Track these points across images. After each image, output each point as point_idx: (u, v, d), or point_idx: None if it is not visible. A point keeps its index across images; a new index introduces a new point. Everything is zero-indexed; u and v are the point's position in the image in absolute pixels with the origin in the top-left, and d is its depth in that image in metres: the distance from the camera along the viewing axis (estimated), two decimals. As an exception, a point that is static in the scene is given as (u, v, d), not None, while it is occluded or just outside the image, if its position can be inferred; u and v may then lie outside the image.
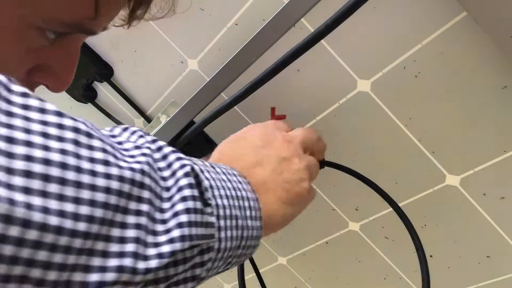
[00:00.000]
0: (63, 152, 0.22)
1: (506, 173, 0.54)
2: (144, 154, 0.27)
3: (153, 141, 0.30)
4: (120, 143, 0.28)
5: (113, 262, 0.23)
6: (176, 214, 0.27)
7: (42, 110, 0.23)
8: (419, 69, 0.53)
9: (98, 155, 0.24)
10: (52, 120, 0.23)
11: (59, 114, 0.24)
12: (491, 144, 0.54)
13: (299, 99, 0.61)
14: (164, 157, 0.30)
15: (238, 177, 0.37)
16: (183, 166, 0.29)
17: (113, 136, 0.29)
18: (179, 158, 0.30)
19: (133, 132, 0.31)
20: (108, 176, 0.24)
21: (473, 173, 0.56)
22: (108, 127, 0.31)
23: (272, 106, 0.57)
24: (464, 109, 0.53)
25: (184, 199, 0.28)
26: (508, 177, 0.54)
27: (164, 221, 0.27)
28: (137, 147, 0.28)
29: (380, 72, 0.55)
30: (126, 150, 0.27)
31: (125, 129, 0.31)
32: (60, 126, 0.23)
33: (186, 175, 0.29)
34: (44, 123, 0.23)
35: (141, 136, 0.30)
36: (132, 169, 0.25)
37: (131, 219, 0.24)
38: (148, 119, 0.74)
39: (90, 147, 0.24)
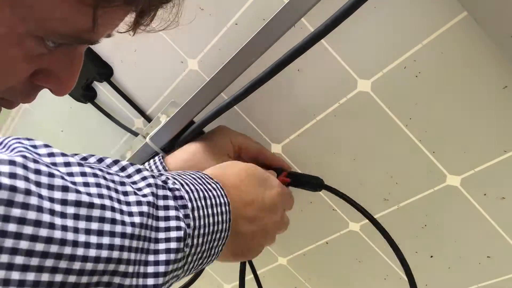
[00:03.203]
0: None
1: (507, 173, 0.54)
2: (145, 214, 0.32)
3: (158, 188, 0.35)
4: (126, 193, 0.32)
5: None
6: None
7: (51, 187, 0.27)
8: (420, 69, 0.53)
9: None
10: (58, 196, 0.27)
11: (65, 189, 0.28)
12: (491, 144, 0.54)
13: (299, 99, 0.61)
14: (166, 208, 0.34)
15: (218, 191, 0.41)
16: (178, 228, 0.34)
17: (122, 184, 0.33)
18: (177, 218, 0.34)
19: (144, 178, 0.35)
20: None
21: (473, 173, 0.56)
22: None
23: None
24: (464, 109, 0.53)
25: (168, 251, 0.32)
26: (508, 177, 0.54)
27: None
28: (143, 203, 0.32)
29: (380, 72, 0.55)
30: (127, 204, 0.31)
31: (138, 171, 0.35)
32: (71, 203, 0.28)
33: (178, 239, 0.33)
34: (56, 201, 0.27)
35: (151, 185, 0.34)
36: (132, 224, 0.30)
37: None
38: (148, 119, 0.74)
39: (89, 218, 0.28)
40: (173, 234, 0.33)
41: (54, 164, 0.29)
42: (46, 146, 0.30)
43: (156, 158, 0.58)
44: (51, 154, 0.29)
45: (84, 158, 0.33)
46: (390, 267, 0.68)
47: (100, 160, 0.34)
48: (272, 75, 0.51)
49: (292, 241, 0.75)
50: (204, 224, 0.37)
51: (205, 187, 0.40)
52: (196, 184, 0.39)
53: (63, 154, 0.30)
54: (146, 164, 0.59)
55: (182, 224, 0.34)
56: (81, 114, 0.80)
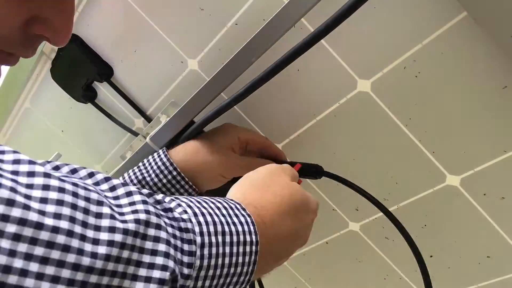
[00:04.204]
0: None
1: (507, 173, 0.54)
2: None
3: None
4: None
5: None
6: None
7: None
8: (419, 69, 0.53)
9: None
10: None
11: (10, 202, 0.23)
12: (491, 144, 0.54)
13: (299, 99, 0.61)
14: (156, 239, 0.29)
15: (247, 226, 0.35)
16: (164, 267, 0.28)
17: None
18: (166, 255, 0.28)
19: (132, 203, 0.30)
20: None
21: (473, 173, 0.56)
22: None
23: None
24: (464, 109, 0.53)
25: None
26: (508, 177, 0.54)
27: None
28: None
29: (380, 72, 0.55)
30: (96, 229, 0.27)
31: (128, 194, 0.30)
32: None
33: (160, 282, 0.28)
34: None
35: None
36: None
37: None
38: (148, 119, 0.74)
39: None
40: (156, 274, 0.27)
41: (16, 172, 0.25)
42: (15, 152, 0.26)
43: (160, 151, 0.58)
44: (16, 161, 0.25)
45: (57, 167, 0.29)
46: (390, 267, 0.68)
47: (74, 171, 0.29)
48: (272, 75, 0.51)
49: (292, 241, 0.75)
50: (218, 264, 0.31)
51: (229, 220, 0.34)
52: (217, 214, 0.33)
53: (31, 162, 0.26)
54: (150, 156, 0.59)
55: (171, 264, 0.28)
56: (81, 114, 0.80)
